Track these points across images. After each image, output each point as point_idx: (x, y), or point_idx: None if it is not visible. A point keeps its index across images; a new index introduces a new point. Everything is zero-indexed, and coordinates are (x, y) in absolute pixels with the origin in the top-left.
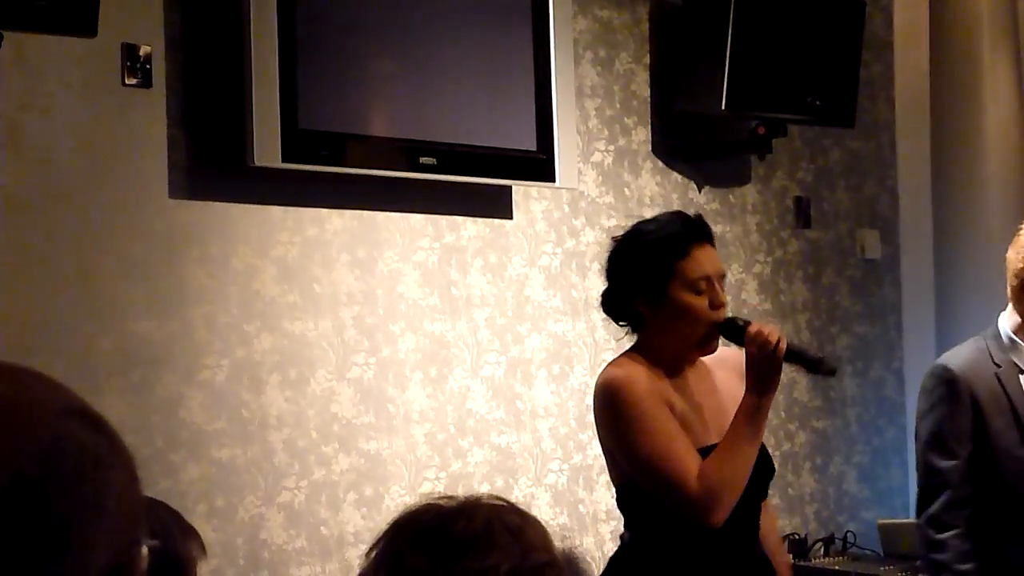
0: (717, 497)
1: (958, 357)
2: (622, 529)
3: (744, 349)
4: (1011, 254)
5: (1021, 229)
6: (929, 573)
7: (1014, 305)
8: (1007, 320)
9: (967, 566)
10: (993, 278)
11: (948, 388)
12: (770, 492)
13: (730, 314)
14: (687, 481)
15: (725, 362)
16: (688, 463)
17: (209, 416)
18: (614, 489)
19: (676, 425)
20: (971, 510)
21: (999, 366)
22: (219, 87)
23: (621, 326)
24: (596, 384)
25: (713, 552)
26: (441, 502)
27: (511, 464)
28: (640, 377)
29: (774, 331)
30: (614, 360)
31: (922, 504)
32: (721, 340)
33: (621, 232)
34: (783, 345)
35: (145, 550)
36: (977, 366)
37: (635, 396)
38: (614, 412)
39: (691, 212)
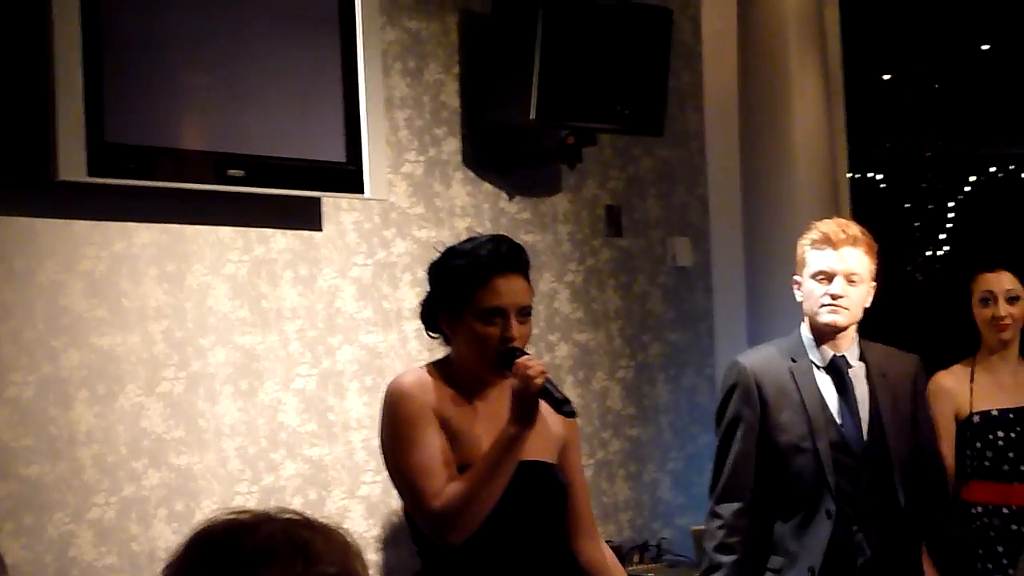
0: (454, 518)
1: (754, 354)
2: None
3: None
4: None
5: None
6: (704, 540)
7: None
8: (807, 323)
9: (734, 539)
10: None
11: (737, 380)
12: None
13: (518, 346)
14: (430, 497)
15: None
16: (436, 480)
17: (16, 433)
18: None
19: (440, 441)
20: (751, 492)
21: (794, 361)
22: (22, 99)
23: (433, 337)
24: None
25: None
26: (235, 516)
27: (324, 477)
28: (419, 387)
29: (537, 366)
30: (412, 367)
31: (713, 482)
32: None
33: (437, 243)
34: (539, 381)
35: None
36: (769, 363)
37: (404, 405)
38: (384, 418)
39: (510, 241)
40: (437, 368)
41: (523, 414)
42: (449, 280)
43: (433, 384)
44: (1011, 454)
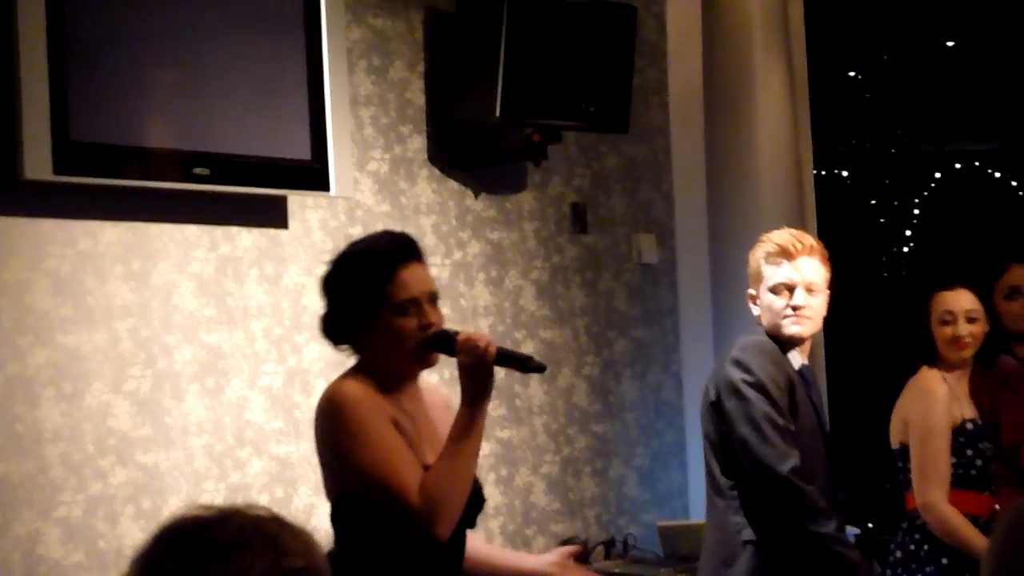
0: (439, 510)
1: (762, 337)
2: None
3: (456, 360)
4: None
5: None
6: (808, 523)
7: None
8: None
9: (836, 521)
10: None
11: (770, 359)
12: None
13: (445, 327)
14: (409, 495)
15: (433, 394)
16: (411, 477)
17: None
18: (329, 503)
19: (400, 440)
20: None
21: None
22: None
23: (340, 350)
24: (321, 397)
25: (421, 570)
26: (201, 512)
27: (291, 474)
28: (365, 392)
29: (482, 336)
30: (339, 377)
31: (777, 460)
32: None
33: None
34: (492, 349)
35: None
36: (775, 350)
37: (359, 410)
38: (337, 425)
39: (402, 232)
40: (360, 375)
41: (480, 389)
42: (353, 284)
43: (371, 388)
44: (979, 462)
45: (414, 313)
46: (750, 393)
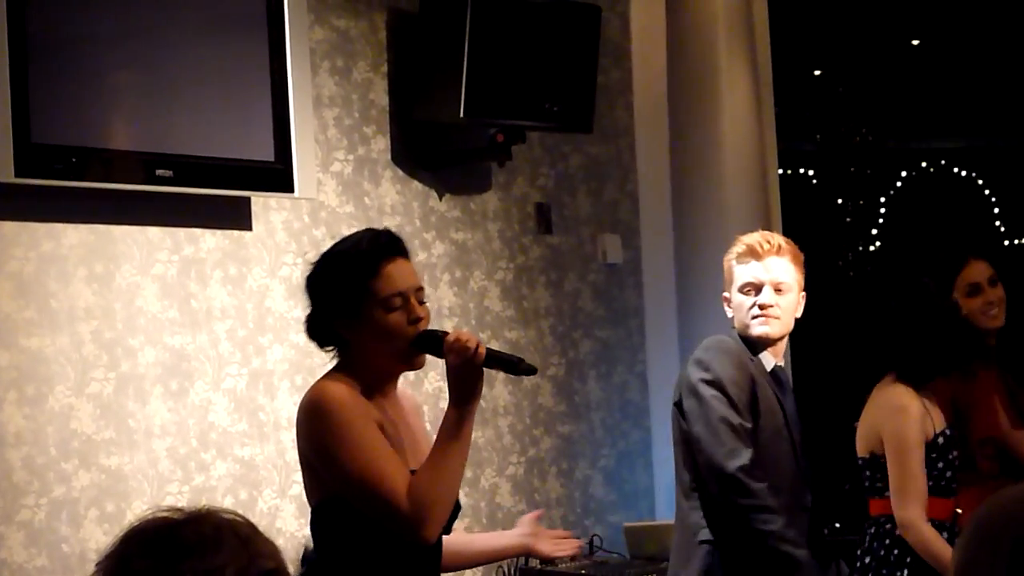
0: (428, 513)
1: (728, 336)
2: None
3: (444, 360)
4: None
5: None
6: (753, 520)
7: None
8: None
9: (783, 519)
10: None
11: (731, 359)
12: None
13: (431, 327)
14: (399, 498)
15: (408, 399)
16: (399, 480)
17: None
18: (309, 508)
19: (387, 443)
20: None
21: (752, 360)
22: None
23: (327, 351)
24: (303, 400)
25: (403, 574)
26: (169, 513)
27: (255, 476)
28: (351, 393)
29: (472, 337)
30: (322, 377)
31: (726, 458)
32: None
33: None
34: (482, 350)
35: None
36: (742, 351)
37: (346, 412)
38: (323, 427)
39: (386, 230)
40: (344, 377)
41: (468, 390)
42: (339, 281)
43: (354, 391)
44: (949, 472)
45: (402, 308)
46: (707, 392)
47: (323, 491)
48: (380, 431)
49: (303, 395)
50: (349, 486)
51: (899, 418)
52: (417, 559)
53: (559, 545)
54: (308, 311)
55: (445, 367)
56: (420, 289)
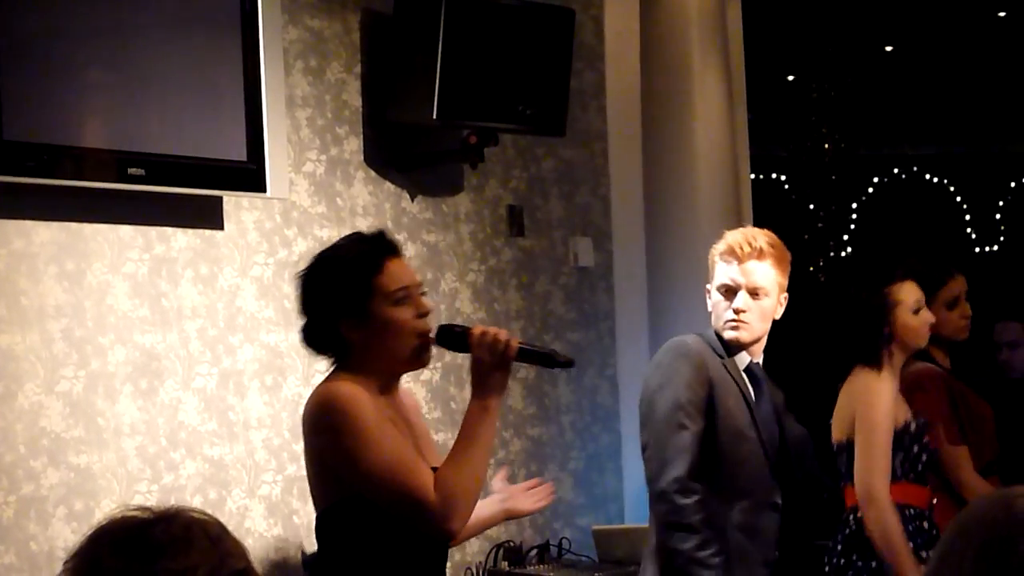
0: (455, 506)
1: (691, 338)
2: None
3: (470, 355)
4: None
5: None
6: (670, 537)
7: None
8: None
9: (710, 533)
10: (704, 284)
11: (687, 361)
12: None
13: (443, 321)
14: (426, 492)
15: (408, 397)
16: (424, 475)
17: None
18: (317, 510)
19: (405, 439)
20: (704, 480)
21: (722, 357)
22: None
23: (328, 358)
24: (312, 401)
25: (414, 573)
26: (138, 513)
27: (224, 476)
28: (360, 391)
29: (501, 332)
30: (328, 378)
31: (661, 469)
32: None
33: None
34: (515, 343)
35: None
36: (706, 351)
37: (364, 411)
38: (343, 427)
39: (370, 230)
40: (350, 376)
41: (494, 384)
42: (342, 281)
43: (364, 389)
44: (925, 456)
45: (409, 303)
46: (656, 396)
47: (339, 492)
48: (394, 428)
49: (308, 399)
50: (375, 484)
51: (871, 398)
52: (428, 558)
53: (536, 498)
54: (305, 319)
55: (470, 361)
56: (420, 285)
